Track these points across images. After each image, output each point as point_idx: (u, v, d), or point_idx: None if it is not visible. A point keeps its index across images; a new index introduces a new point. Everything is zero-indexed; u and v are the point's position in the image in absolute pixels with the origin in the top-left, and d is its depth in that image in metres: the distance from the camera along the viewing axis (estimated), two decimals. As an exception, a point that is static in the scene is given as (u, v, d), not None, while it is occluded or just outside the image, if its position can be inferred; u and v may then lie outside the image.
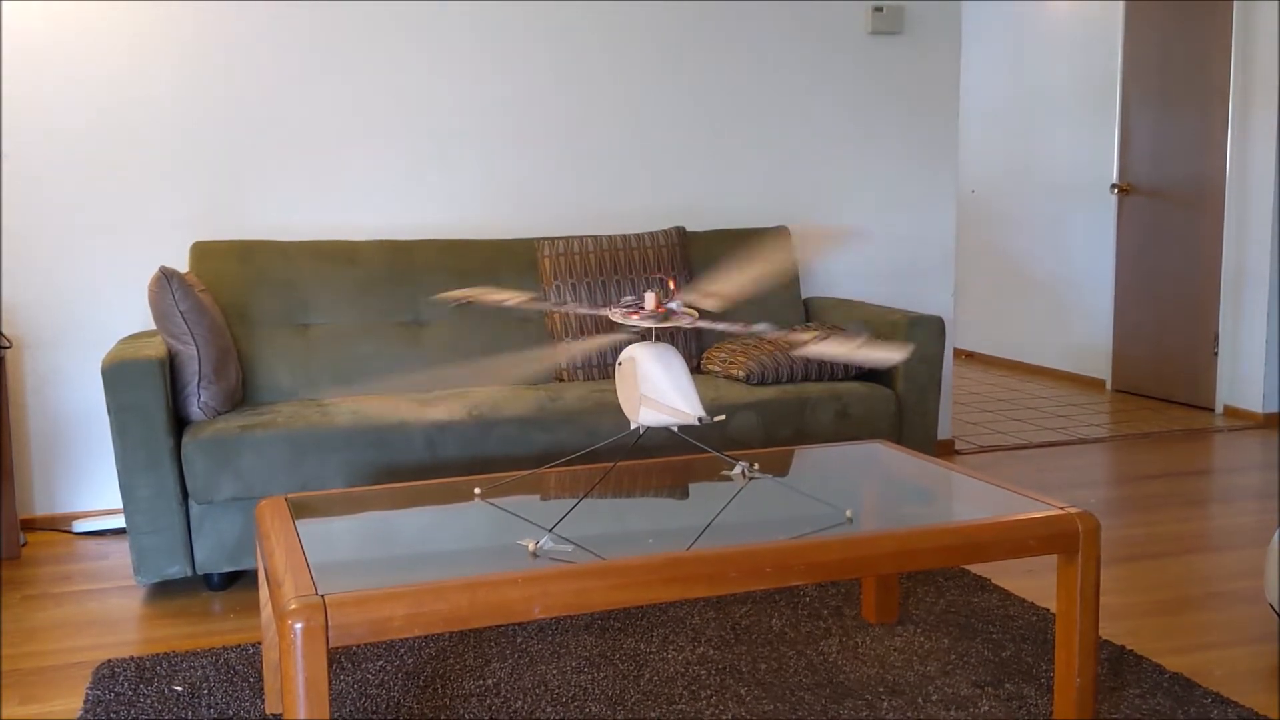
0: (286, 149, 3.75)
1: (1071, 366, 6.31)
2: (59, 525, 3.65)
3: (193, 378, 3.04)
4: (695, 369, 3.72)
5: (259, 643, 2.68)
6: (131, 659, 2.58)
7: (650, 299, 2.04)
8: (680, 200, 4.17)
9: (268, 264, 3.51)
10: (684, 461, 2.58)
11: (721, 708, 2.30)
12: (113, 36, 3.57)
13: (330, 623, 1.67)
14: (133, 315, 3.68)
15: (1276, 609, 2.50)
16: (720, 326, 2.09)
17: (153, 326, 3.65)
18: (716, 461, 2.56)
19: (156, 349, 3.01)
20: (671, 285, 2.06)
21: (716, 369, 3.60)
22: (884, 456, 2.60)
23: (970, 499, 2.24)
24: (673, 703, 2.32)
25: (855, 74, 4.32)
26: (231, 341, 3.29)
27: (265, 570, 2.11)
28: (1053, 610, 2.80)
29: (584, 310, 2.04)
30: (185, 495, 2.97)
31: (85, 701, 2.37)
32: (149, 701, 2.37)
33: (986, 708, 2.28)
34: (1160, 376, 5.67)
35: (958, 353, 7.24)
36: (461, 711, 2.30)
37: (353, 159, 3.82)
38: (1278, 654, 2.56)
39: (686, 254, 3.82)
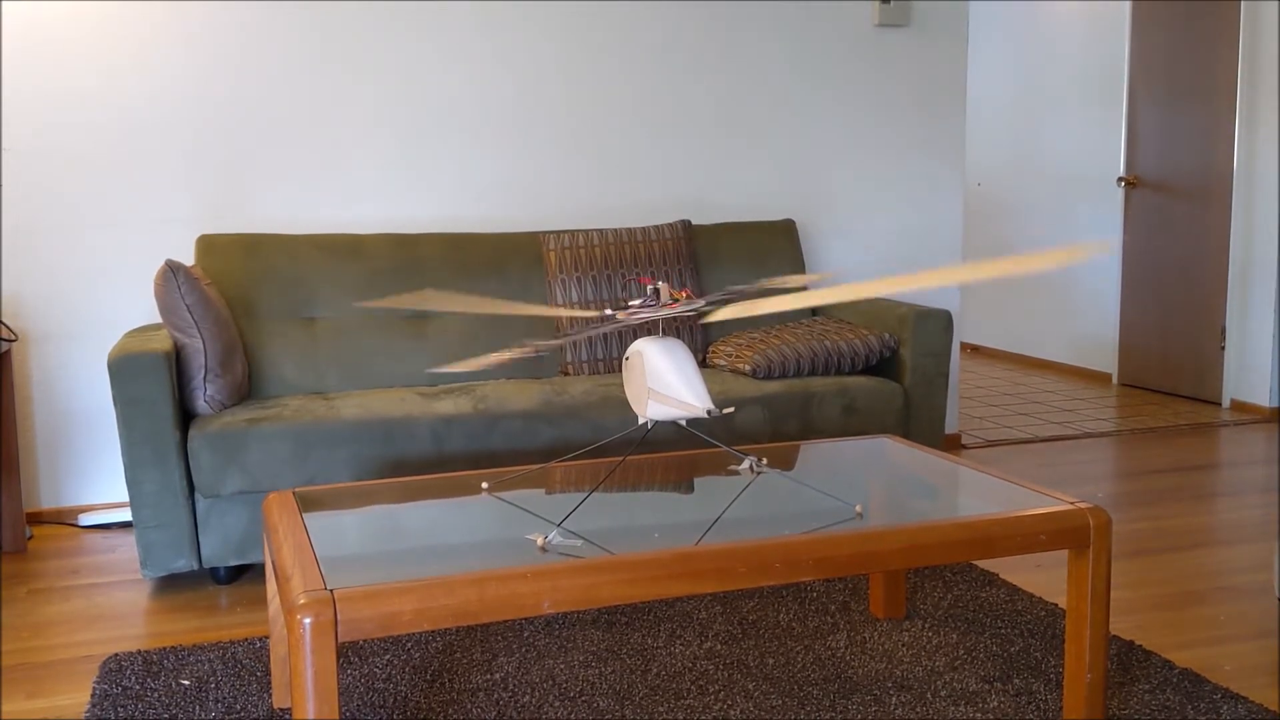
0: (292, 142, 3.74)
1: (1077, 360, 6.30)
2: (65, 519, 3.65)
3: (199, 371, 3.03)
4: (701, 363, 3.72)
5: (266, 636, 2.68)
6: (138, 653, 2.58)
7: (664, 290, 2.03)
8: (686, 193, 4.16)
9: (273, 257, 3.50)
10: (691, 456, 2.58)
11: (729, 702, 2.29)
12: (118, 30, 3.56)
13: (339, 618, 1.67)
14: (138, 309, 3.67)
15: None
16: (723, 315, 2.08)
17: (158, 320, 3.65)
18: (724, 456, 2.55)
19: (162, 342, 3.00)
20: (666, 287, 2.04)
21: (723, 362, 3.59)
22: (891, 451, 2.59)
23: (980, 494, 2.24)
24: (680, 697, 2.32)
25: (861, 67, 4.31)
26: (237, 335, 3.28)
27: (273, 564, 2.11)
28: (1061, 605, 2.80)
29: (591, 322, 2.03)
30: (191, 489, 2.97)
31: (92, 695, 2.37)
32: (156, 695, 2.36)
33: (995, 703, 2.27)
34: (1167, 370, 5.66)
35: (963, 346, 7.23)
36: (469, 706, 2.30)
37: (358, 152, 3.81)
38: (1278, 648, 2.55)
39: (692, 247, 3.81)
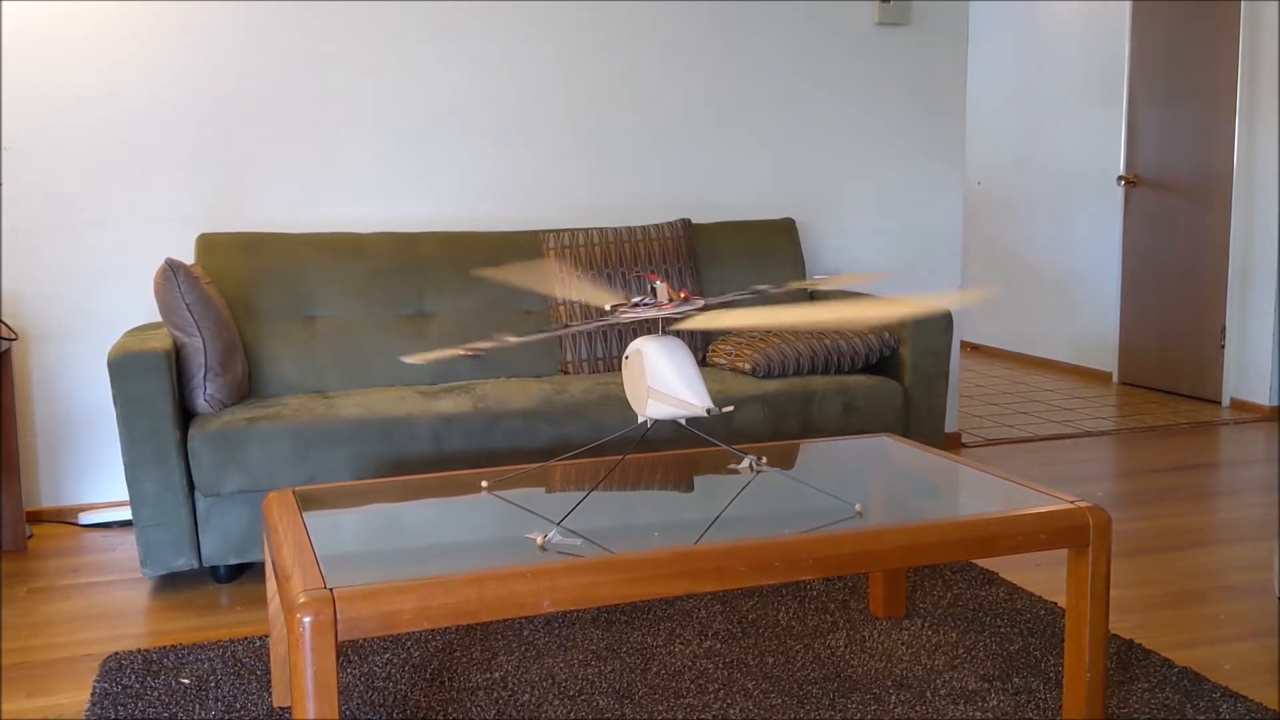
0: (293, 141, 3.74)
1: (1077, 359, 6.30)
2: (65, 518, 3.65)
3: (199, 370, 3.03)
4: (701, 361, 3.72)
5: (266, 635, 2.68)
6: (139, 652, 2.58)
7: (662, 290, 2.03)
8: (686, 192, 4.16)
9: (274, 256, 3.51)
10: (691, 455, 2.58)
11: (728, 701, 2.29)
12: (118, 29, 3.56)
13: (339, 616, 1.67)
14: (139, 308, 3.68)
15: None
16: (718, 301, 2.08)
17: (159, 319, 3.65)
18: (724, 455, 2.55)
19: (162, 341, 3.01)
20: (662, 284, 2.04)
21: (723, 361, 3.60)
22: (891, 450, 2.59)
23: (980, 493, 2.24)
24: (680, 696, 2.32)
25: (862, 66, 4.31)
26: (237, 334, 3.28)
27: (273, 563, 2.11)
28: (1060, 604, 2.80)
29: (590, 324, 2.03)
30: (191, 488, 2.97)
31: (92, 694, 2.37)
32: (156, 694, 2.37)
33: (994, 702, 2.27)
34: (1167, 369, 5.66)
35: (963, 345, 7.22)
36: (469, 705, 2.30)
37: (359, 151, 3.81)
38: (1278, 647, 2.55)
39: (692, 246, 3.81)
